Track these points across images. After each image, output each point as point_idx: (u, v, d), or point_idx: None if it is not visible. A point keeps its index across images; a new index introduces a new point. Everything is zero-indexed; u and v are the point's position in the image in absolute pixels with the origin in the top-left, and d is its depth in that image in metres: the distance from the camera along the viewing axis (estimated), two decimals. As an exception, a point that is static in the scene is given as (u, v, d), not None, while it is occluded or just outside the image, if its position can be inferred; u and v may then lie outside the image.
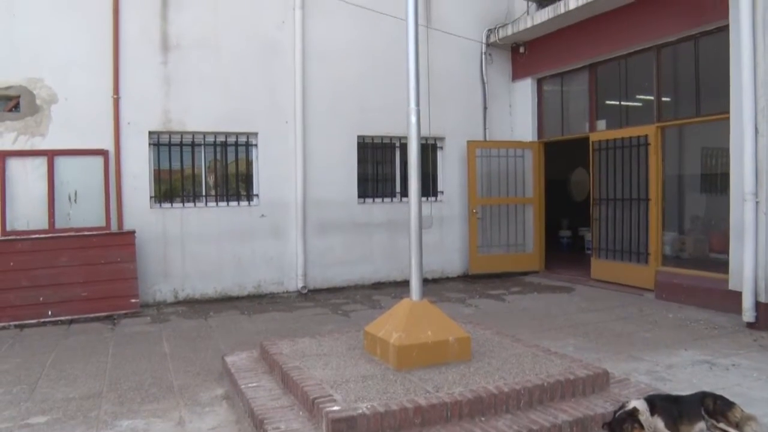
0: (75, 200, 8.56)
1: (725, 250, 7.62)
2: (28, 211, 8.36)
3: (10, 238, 8.03)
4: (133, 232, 8.57)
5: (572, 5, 9.30)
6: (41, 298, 7.87)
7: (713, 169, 8.41)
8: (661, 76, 8.79)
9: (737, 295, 7.08)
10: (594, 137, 9.85)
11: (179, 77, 9.17)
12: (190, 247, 9.26)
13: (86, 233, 8.34)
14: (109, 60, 8.73)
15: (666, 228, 8.84)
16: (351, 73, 10.18)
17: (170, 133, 9.23)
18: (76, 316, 7.99)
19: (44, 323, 7.78)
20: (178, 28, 9.16)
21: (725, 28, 7.55)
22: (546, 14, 9.87)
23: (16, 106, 8.29)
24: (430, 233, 10.47)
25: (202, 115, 9.30)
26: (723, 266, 7.64)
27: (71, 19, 8.59)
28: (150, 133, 9.05)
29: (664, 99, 8.82)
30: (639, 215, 9.02)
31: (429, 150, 10.86)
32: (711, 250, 8.45)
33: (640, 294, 8.81)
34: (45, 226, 8.35)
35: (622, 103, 9.59)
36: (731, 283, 7.42)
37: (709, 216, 8.59)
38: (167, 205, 9.27)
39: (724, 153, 7.58)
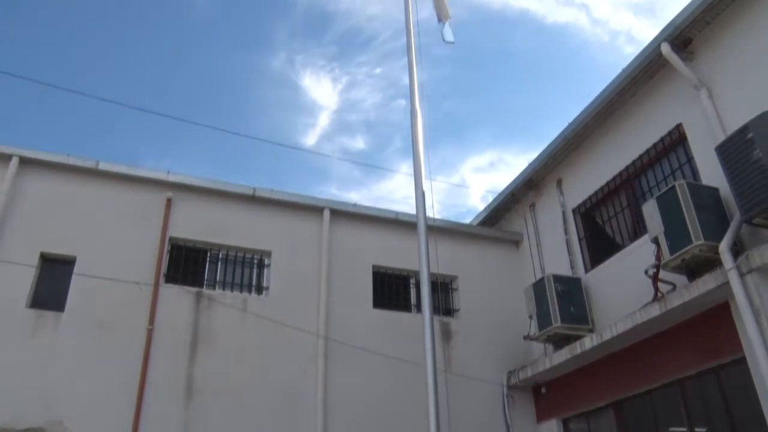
0: None
1: None
2: None
3: None
4: None
5: (587, 345, 9.55)
6: None
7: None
8: (689, 409, 8.52)
9: None
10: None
11: (200, 423, 9.12)
12: None
13: None
14: (132, 404, 8.83)
15: None
16: (372, 418, 10.03)
17: (184, 482, 8.78)
18: None
19: None
20: (204, 374, 9.39)
21: (743, 360, 7.58)
22: (563, 355, 10.04)
23: (30, 449, 8.11)
24: None
25: (218, 463, 8.96)
26: None
27: (101, 364, 8.95)
28: (162, 481, 8.63)
29: (697, 430, 8.47)
30: None
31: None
32: None
33: None
34: None
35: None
36: None
37: None
38: None
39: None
